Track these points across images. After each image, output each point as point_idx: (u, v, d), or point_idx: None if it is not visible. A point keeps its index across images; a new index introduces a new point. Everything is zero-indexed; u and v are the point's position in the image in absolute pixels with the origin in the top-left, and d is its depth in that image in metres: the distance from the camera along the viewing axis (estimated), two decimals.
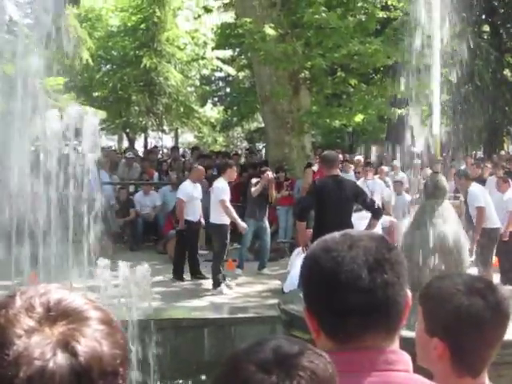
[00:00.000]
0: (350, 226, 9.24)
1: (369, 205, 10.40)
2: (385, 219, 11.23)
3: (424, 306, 2.39)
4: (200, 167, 14.62)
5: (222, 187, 12.80)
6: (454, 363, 2.36)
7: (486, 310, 2.32)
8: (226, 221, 12.70)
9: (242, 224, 12.91)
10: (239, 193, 17.58)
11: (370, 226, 9.97)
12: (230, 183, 13.20)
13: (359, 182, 15.68)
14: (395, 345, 1.91)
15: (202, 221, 13.83)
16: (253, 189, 13.96)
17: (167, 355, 9.96)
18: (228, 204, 12.67)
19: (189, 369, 9.45)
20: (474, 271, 12.65)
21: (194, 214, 13.58)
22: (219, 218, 12.65)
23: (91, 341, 1.39)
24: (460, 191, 14.30)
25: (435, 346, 2.37)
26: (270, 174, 14.12)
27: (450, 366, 2.36)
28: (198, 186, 13.91)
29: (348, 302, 1.82)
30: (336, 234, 1.96)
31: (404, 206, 16.31)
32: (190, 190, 13.59)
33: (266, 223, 14.52)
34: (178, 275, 13.50)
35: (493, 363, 5.14)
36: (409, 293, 1.93)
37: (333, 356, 1.51)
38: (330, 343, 1.85)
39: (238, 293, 12.51)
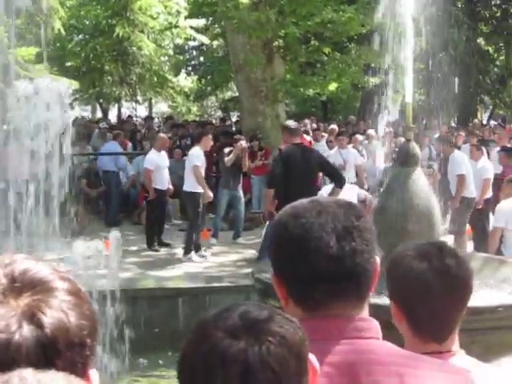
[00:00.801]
0: (314, 194, 9.30)
1: (332, 173, 10.68)
2: (360, 192, 11.23)
3: (386, 272, 2.40)
4: (163, 135, 14.65)
5: (196, 154, 12.81)
6: (412, 328, 2.38)
7: (432, 274, 2.33)
8: (199, 189, 12.68)
9: (209, 193, 12.85)
10: (212, 163, 17.56)
11: (333, 194, 10.06)
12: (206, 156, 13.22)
13: (333, 152, 15.73)
14: (365, 312, 1.90)
15: (171, 187, 13.85)
16: (226, 158, 13.92)
17: (141, 326, 9.96)
18: (200, 170, 12.66)
19: (163, 339, 9.45)
20: (448, 238, 12.76)
21: (162, 182, 13.61)
22: (192, 185, 12.65)
23: (57, 312, 1.38)
24: (442, 157, 14.34)
25: (393, 310, 2.39)
26: (243, 143, 14.09)
27: (410, 331, 2.38)
28: (164, 155, 13.95)
29: (317, 269, 1.80)
30: (305, 201, 1.94)
31: (378, 174, 16.36)
32: (156, 158, 13.60)
33: (240, 193, 14.51)
34: (151, 245, 13.49)
35: (466, 329, 5.16)
36: (378, 260, 1.92)
37: (301, 324, 1.49)
38: (298, 311, 1.83)
39: (213, 262, 12.52)
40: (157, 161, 13.58)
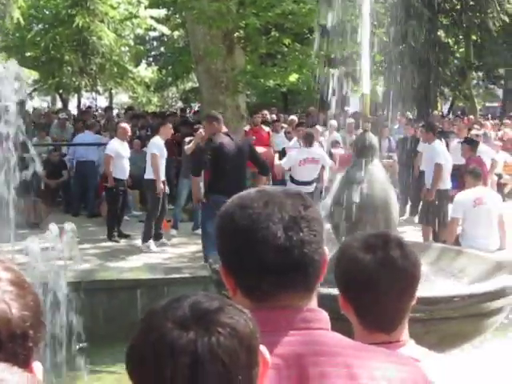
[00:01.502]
0: (244, 179, 10.06)
1: (257, 161, 10.95)
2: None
3: (334, 263, 2.40)
4: (124, 125, 14.50)
5: (156, 143, 12.80)
6: (360, 319, 2.38)
7: (376, 266, 2.34)
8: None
9: (160, 184, 12.71)
10: (172, 153, 17.48)
11: (258, 181, 10.25)
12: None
13: (292, 142, 15.73)
14: (313, 303, 1.89)
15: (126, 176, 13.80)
16: (186, 147, 13.88)
17: (99, 317, 9.92)
18: (158, 160, 12.58)
19: (122, 331, 9.39)
20: (406, 229, 12.85)
21: (122, 171, 13.52)
22: (153, 173, 12.61)
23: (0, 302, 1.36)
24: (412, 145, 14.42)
25: (340, 301, 2.39)
26: (203, 132, 14.06)
27: (358, 321, 2.39)
28: (126, 145, 13.86)
29: (264, 260, 1.79)
30: (252, 191, 1.93)
31: None
32: (117, 146, 13.52)
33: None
34: (111, 236, 13.42)
35: (420, 319, 5.21)
36: (326, 250, 1.91)
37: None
38: (246, 302, 1.81)
39: (172, 253, 12.49)
40: (118, 149, 13.48)
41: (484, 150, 15.17)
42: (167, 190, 13.26)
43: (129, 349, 1.45)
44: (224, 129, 10.93)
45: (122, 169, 13.51)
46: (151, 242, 12.51)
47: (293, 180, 13.53)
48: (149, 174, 12.73)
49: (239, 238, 1.82)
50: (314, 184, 14.02)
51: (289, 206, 1.84)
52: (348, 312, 2.40)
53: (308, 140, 13.51)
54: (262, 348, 1.48)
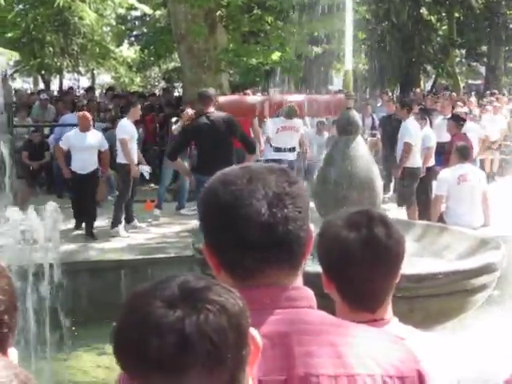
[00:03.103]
0: (230, 159, 9.75)
1: (243, 139, 10.80)
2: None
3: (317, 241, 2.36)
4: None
5: (123, 125, 12.44)
6: (343, 297, 2.36)
7: (360, 244, 2.31)
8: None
9: (135, 168, 12.38)
10: (155, 134, 17.43)
11: (247, 160, 10.23)
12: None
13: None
14: (298, 281, 1.86)
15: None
16: (173, 127, 13.78)
17: (83, 299, 9.89)
18: (128, 143, 12.27)
19: (105, 311, 9.37)
20: (390, 207, 12.86)
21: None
22: (123, 157, 12.35)
23: None
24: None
25: (323, 279, 2.37)
26: (189, 111, 13.98)
27: (341, 300, 2.36)
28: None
29: (247, 237, 1.75)
30: (236, 167, 1.89)
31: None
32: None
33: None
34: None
35: (406, 297, 5.20)
36: (311, 227, 1.88)
37: None
38: (230, 280, 1.78)
39: (156, 233, 12.44)
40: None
41: (471, 128, 15.18)
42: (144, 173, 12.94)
43: (113, 330, 1.41)
44: (210, 108, 10.72)
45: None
46: (121, 227, 12.28)
47: (272, 148, 13.74)
48: (120, 158, 12.45)
49: (222, 214, 1.79)
50: (296, 152, 14.12)
51: (273, 183, 1.80)
52: (331, 291, 2.37)
53: (289, 114, 13.69)
54: (254, 332, 1.45)
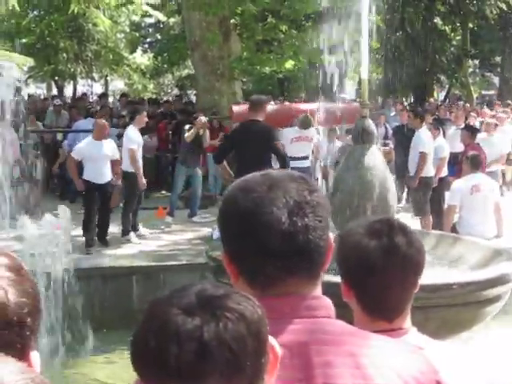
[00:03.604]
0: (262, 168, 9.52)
1: (277, 152, 10.67)
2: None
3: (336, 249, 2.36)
4: (103, 123, 12.79)
5: (130, 135, 12.41)
6: (362, 306, 2.35)
7: (381, 253, 2.30)
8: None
9: (142, 180, 12.38)
10: (167, 141, 17.45)
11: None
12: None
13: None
14: (317, 290, 1.85)
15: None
16: (186, 134, 13.80)
17: (95, 305, 9.89)
18: (136, 154, 12.24)
19: (117, 318, 9.39)
20: (403, 217, 12.82)
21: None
22: (130, 165, 12.31)
23: None
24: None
25: (343, 288, 2.36)
26: (202, 119, 13.96)
27: (360, 309, 2.36)
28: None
29: (268, 245, 1.74)
30: (257, 174, 1.87)
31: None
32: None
33: (198, 171, 14.42)
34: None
35: (420, 307, 5.18)
36: (331, 236, 1.87)
37: None
38: (248, 288, 1.76)
39: (168, 240, 12.44)
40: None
41: (484, 138, 15.17)
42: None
43: (132, 338, 1.40)
44: (255, 116, 10.54)
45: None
46: (132, 235, 12.32)
47: None
48: (125, 166, 12.40)
49: (243, 221, 1.78)
50: (309, 159, 14.13)
51: (294, 191, 1.79)
52: (350, 299, 2.36)
53: (304, 124, 13.69)
54: (273, 341, 1.44)
